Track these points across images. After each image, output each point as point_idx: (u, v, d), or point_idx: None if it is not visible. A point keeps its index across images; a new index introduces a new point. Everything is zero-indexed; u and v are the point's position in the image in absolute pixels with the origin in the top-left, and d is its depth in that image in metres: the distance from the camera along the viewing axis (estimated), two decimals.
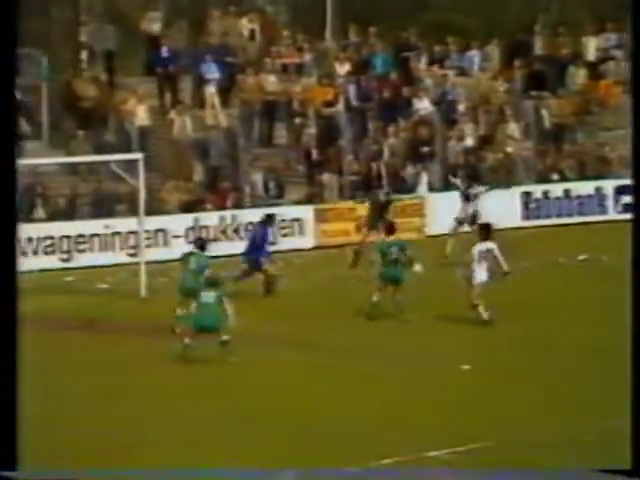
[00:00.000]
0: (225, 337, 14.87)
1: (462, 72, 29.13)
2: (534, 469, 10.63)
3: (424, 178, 26.56)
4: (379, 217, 20.84)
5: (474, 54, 29.32)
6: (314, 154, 26.48)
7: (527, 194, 27.06)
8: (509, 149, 27.92)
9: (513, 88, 29.19)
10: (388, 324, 17.21)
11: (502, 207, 26.07)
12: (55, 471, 10.35)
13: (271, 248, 20.06)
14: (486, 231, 17.58)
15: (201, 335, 14.98)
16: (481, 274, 17.07)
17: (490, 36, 30.39)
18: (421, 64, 28.86)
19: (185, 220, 23.54)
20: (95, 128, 25.43)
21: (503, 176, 27.62)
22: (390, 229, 18.36)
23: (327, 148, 26.61)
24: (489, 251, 17.20)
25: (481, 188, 22.69)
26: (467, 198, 22.35)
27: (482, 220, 18.45)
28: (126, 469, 10.76)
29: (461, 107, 28.22)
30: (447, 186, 26.96)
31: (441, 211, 25.25)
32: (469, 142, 27.73)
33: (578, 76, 29.67)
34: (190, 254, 17.40)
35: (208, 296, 15.10)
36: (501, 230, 24.99)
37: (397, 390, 13.65)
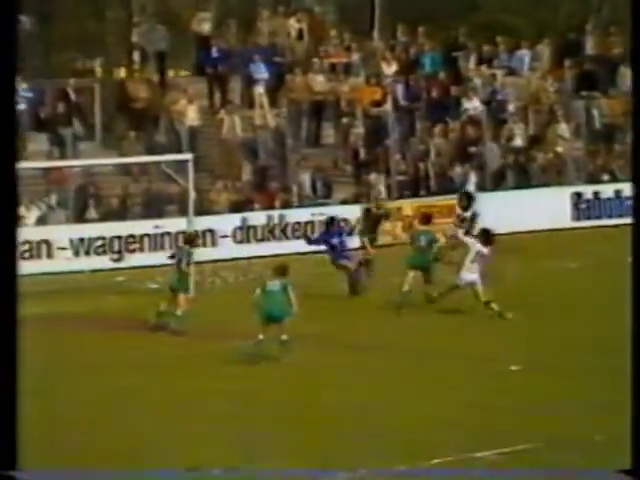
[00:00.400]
0: (284, 337, 14.85)
1: (511, 72, 28.97)
2: (584, 469, 10.59)
3: (472, 178, 26.43)
4: (371, 231, 20.58)
5: (524, 54, 29.14)
6: (362, 154, 26.49)
7: (577, 195, 26.84)
8: (559, 149, 27.71)
9: (563, 88, 28.96)
10: (435, 323, 17.21)
11: (552, 208, 25.91)
12: (55, 471, 10.46)
13: (348, 246, 19.78)
14: (486, 237, 17.76)
15: (269, 327, 14.87)
16: (474, 274, 17.44)
17: (540, 36, 30.16)
18: (470, 64, 28.75)
19: (233, 220, 23.64)
20: (146, 129, 25.63)
21: (553, 176, 27.43)
22: (425, 219, 19.09)
23: (375, 148, 26.60)
24: (482, 256, 17.52)
25: (474, 209, 22.62)
26: (462, 220, 22.26)
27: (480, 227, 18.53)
28: (128, 470, 10.85)
29: (511, 107, 28.06)
30: (496, 186, 26.87)
31: (489, 211, 25.12)
32: (518, 142, 27.58)
33: (629, 76, 29.33)
34: (178, 251, 17.54)
35: (274, 284, 15.05)
36: (551, 230, 24.92)
37: (446, 390, 13.63)
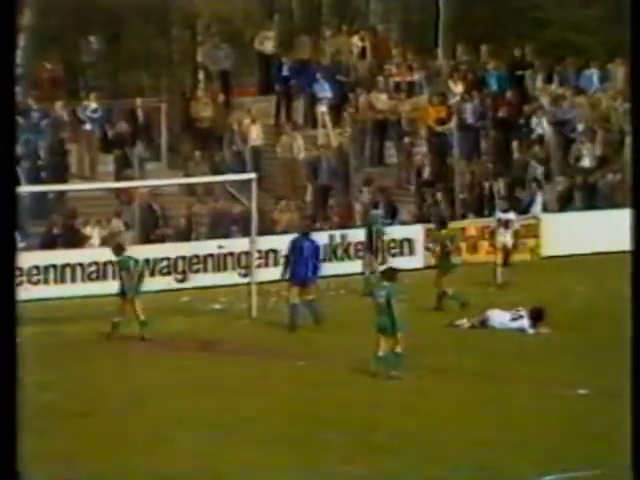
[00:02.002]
0: (382, 352, 14.73)
1: (579, 91, 28.60)
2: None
3: (539, 198, 26.14)
4: (375, 245, 20.32)
5: (592, 73, 28.77)
6: (425, 173, 26.35)
7: None
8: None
9: None
10: (500, 346, 17.02)
11: (621, 229, 25.38)
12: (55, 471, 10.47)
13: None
14: (536, 315, 17.90)
15: (383, 339, 14.78)
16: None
17: (612, 55, 29.73)
18: (537, 83, 28.48)
19: None
20: (211, 148, 25.79)
21: (622, 197, 26.97)
22: (442, 223, 20.63)
23: (438, 167, 26.46)
24: (521, 316, 17.84)
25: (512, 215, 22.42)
26: (506, 225, 22.00)
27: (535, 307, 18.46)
28: (127, 470, 10.79)
29: (579, 127, 27.70)
30: (563, 206, 26.49)
31: (557, 232, 24.83)
32: (586, 162, 27.22)
33: None
34: (129, 259, 17.87)
35: (380, 294, 14.99)
36: (620, 252, 24.49)
37: (512, 413, 13.46)
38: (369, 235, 21.22)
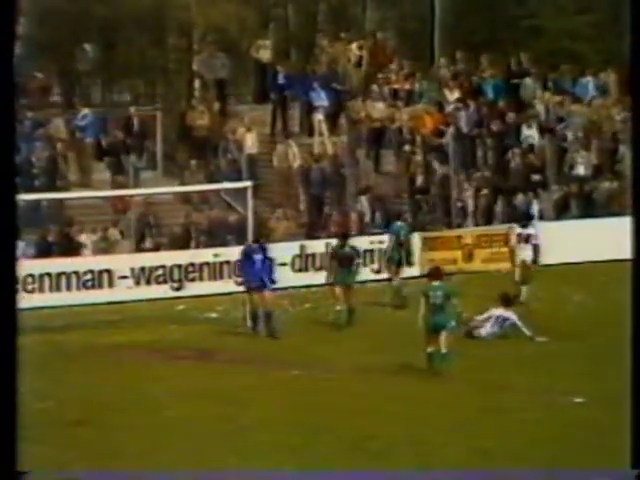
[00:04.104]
0: (444, 349, 14.94)
1: (575, 99, 28.65)
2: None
3: (535, 207, 26.16)
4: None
5: (588, 81, 28.82)
6: (421, 181, 26.37)
7: None
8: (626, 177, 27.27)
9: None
10: (497, 355, 17.00)
11: (618, 237, 25.39)
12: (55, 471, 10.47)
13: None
14: (506, 300, 17.85)
15: (436, 337, 14.94)
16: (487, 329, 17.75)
17: (608, 63, 29.76)
18: (533, 91, 28.50)
19: (292, 248, 23.59)
20: (207, 157, 25.80)
21: (618, 206, 26.99)
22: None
23: (434, 175, 26.47)
24: (505, 320, 17.67)
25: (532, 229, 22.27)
26: (526, 240, 21.79)
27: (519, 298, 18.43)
28: (127, 471, 10.78)
29: (574, 135, 27.72)
30: (559, 215, 26.50)
31: (553, 241, 24.82)
32: (580, 171, 27.25)
33: None
34: None
35: (435, 295, 15.09)
36: (616, 261, 24.55)
37: (509, 423, 13.44)
38: (396, 245, 21.11)
